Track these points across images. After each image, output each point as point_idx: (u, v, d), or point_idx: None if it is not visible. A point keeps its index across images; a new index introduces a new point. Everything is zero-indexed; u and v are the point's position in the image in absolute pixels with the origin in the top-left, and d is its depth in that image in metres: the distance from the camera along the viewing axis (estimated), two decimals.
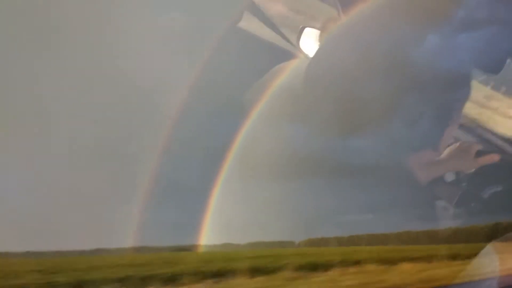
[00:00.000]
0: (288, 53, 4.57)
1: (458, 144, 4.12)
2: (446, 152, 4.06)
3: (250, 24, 4.53)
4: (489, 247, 3.56)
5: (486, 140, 4.88)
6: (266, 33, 4.67)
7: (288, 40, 4.52)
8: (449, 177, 4.22)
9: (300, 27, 4.54)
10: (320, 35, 4.40)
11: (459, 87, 3.92)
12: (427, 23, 3.49)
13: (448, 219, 4.23)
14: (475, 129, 4.91)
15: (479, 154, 4.09)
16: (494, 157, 4.01)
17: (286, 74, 4.32)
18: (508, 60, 4.16)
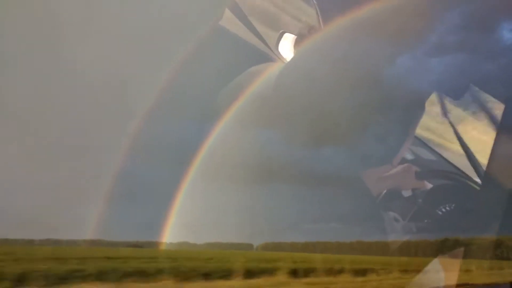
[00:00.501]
0: (265, 56, 4.56)
1: (405, 165, 4.30)
2: (396, 169, 4.22)
3: (231, 23, 4.49)
4: (436, 262, 3.74)
5: (443, 158, 5.08)
6: (246, 33, 4.64)
7: (266, 43, 4.51)
8: (406, 192, 4.39)
9: (280, 31, 4.55)
10: (298, 42, 4.43)
11: (421, 106, 4.07)
12: (400, 44, 3.60)
13: (401, 232, 4.42)
14: (431, 146, 5.12)
15: (417, 175, 4.31)
16: (426, 185, 4.25)
17: (261, 79, 4.33)
18: (470, 88, 4.35)
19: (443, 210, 4.43)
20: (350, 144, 3.50)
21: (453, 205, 4.44)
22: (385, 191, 4.21)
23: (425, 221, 4.50)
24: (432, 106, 4.31)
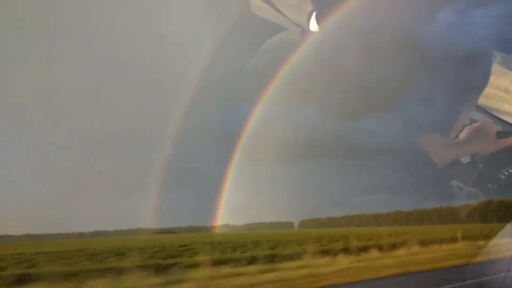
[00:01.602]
0: (298, 36, 4.52)
1: (477, 124, 4.01)
2: (464, 133, 3.97)
3: (260, 8, 4.50)
4: (510, 227, 3.51)
5: (504, 121, 4.77)
6: (275, 17, 4.63)
7: (297, 24, 4.47)
8: (465, 159, 4.15)
9: (310, 10, 4.48)
10: (329, 16, 4.34)
11: (475, 67, 3.85)
12: None
13: (464, 198, 4.20)
14: (491, 110, 4.81)
15: (499, 135, 4.00)
16: (492, 148, 3.92)
17: (296, 58, 4.30)
18: None
19: (506, 173, 4.19)
20: (393, 112, 3.37)
21: None
22: (448, 161, 4.05)
23: (489, 185, 4.28)
24: (489, 65, 4.08)
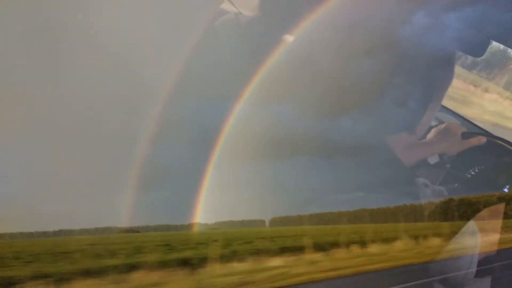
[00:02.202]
0: (277, 34, 4.55)
1: (443, 126, 4.14)
2: (432, 134, 4.08)
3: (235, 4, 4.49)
4: (472, 224, 3.64)
5: (469, 122, 4.93)
6: (251, 11, 4.63)
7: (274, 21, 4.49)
8: (433, 159, 4.27)
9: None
10: (307, 14, 4.38)
11: (443, 68, 3.95)
12: (413, 2, 3.51)
13: (431, 197, 4.33)
14: (457, 111, 4.97)
15: (464, 136, 4.13)
16: (481, 139, 4.05)
17: (275, 56, 4.32)
18: (491, 43, 4.19)
19: (473, 173, 4.32)
20: (367, 111, 3.44)
21: (483, 166, 4.32)
22: (415, 160, 4.13)
23: (455, 184, 4.40)
24: (454, 67, 4.19)
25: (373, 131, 3.62)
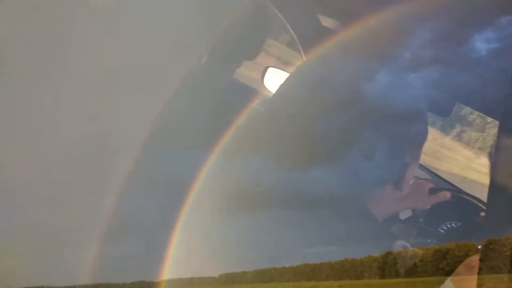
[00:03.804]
0: (251, 91, 4.67)
1: (412, 181, 4.23)
2: (403, 188, 4.15)
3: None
4: (449, 283, 3.60)
5: (439, 177, 5.07)
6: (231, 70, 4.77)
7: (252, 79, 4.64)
8: (405, 214, 4.31)
9: (264, 66, 4.71)
10: (282, 74, 4.56)
11: (411, 124, 4.10)
12: (377, 61, 3.72)
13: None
14: (428, 167, 5.11)
15: (432, 191, 4.22)
16: (446, 194, 4.15)
17: (247, 110, 4.41)
18: (456, 105, 4.42)
19: (445, 228, 4.36)
20: (336, 164, 3.51)
21: (455, 222, 4.37)
22: (388, 214, 4.14)
23: (428, 240, 4.42)
24: (421, 124, 4.37)
25: (343, 183, 3.66)
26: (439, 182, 4.74)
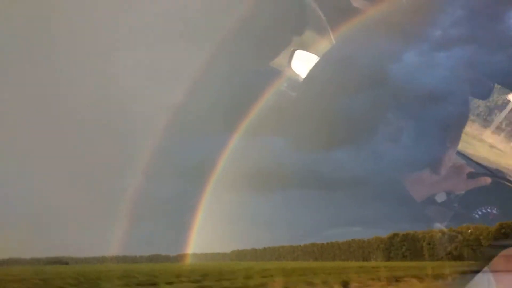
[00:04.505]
0: (279, 74, 4.64)
1: (450, 164, 4.12)
2: (439, 171, 4.05)
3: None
4: (487, 270, 3.49)
5: (475, 163, 4.91)
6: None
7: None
8: (440, 197, 4.22)
9: (292, 49, 4.65)
10: (310, 56, 4.50)
11: (439, 104, 3.98)
12: (405, 40, 3.60)
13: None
14: (463, 150, 4.96)
15: (470, 175, 4.12)
16: (486, 180, 4.03)
17: (273, 92, 4.40)
18: (495, 87, 4.22)
19: (480, 213, 4.27)
20: (360, 146, 3.46)
21: (491, 207, 4.29)
22: (423, 197, 4.08)
23: (463, 224, 4.34)
24: (455, 106, 4.23)
25: (367, 165, 3.62)
26: (477, 167, 4.61)
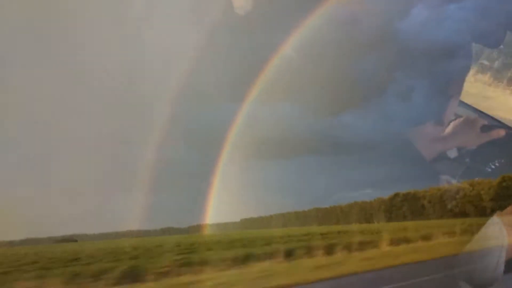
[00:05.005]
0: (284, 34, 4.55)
1: (462, 119, 4.05)
2: (450, 127, 3.99)
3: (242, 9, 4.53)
4: (495, 218, 3.52)
5: (487, 115, 4.82)
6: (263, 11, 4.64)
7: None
8: (452, 153, 4.19)
9: (298, 14, 4.52)
10: (314, 15, 4.36)
11: (452, 59, 3.90)
12: None
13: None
14: (475, 105, 4.87)
15: (484, 129, 4.05)
16: (500, 132, 3.96)
17: (279, 56, 4.33)
18: (508, 33, 4.07)
19: (493, 166, 4.25)
20: (370, 108, 3.40)
21: (503, 160, 4.25)
22: (434, 154, 4.05)
23: (476, 179, 4.38)
24: (462, 59, 4.11)
25: (379, 127, 3.58)
26: (489, 120, 4.55)
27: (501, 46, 4.04)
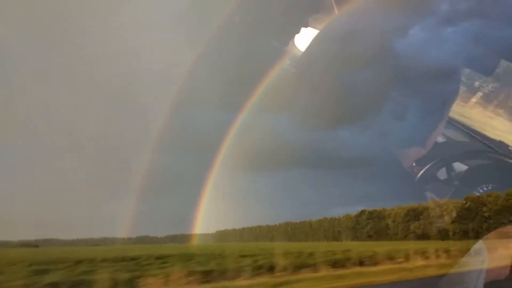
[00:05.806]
0: (282, 51, 4.62)
1: (449, 141, 4.14)
2: (438, 149, 4.07)
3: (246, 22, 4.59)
4: (480, 244, 3.58)
5: (476, 139, 4.93)
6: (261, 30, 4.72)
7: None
8: (442, 175, 4.30)
9: (296, 27, 4.61)
10: (312, 31, 4.45)
11: (446, 81, 3.98)
12: (411, 15, 3.54)
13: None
14: (463, 127, 4.96)
15: (472, 153, 4.14)
16: (489, 156, 4.05)
17: (277, 69, 4.39)
18: (501, 62, 4.18)
19: (481, 190, 4.34)
20: (365, 125, 3.44)
21: (491, 185, 4.35)
22: (420, 173, 4.14)
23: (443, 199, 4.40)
24: (455, 81, 4.21)
25: (372, 144, 3.62)
26: (477, 145, 4.67)
27: (494, 72, 4.15)
